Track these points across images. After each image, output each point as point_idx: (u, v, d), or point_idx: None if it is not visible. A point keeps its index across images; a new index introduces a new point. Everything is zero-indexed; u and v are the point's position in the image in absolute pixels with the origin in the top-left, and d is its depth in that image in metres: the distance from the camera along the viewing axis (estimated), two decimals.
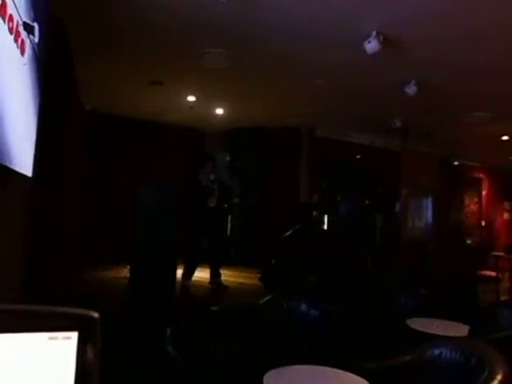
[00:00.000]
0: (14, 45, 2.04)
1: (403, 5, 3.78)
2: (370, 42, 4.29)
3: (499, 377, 1.82)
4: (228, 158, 9.39)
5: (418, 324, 3.45)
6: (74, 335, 0.56)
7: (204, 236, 6.52)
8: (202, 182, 6.42)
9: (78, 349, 0.56)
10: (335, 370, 2.35)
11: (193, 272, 6.29)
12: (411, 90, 5.54)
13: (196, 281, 6.39)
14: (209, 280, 6.50)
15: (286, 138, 8.81)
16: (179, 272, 6.02)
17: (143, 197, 5.44)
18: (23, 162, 2.43)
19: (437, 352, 2.30)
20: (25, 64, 2.29)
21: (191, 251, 6.33)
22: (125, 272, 6.04)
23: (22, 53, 2.18)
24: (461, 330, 3.33)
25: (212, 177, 6.44)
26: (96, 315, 0.56)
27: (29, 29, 2.27)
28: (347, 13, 3.99)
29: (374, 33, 4.24)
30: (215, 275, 6.45)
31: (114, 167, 8.35)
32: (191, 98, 7.03)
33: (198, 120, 8.47)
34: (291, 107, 7.41)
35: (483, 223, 12.04)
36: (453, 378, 2.17)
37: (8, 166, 2.07)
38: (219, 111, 7.86)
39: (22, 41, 2.15)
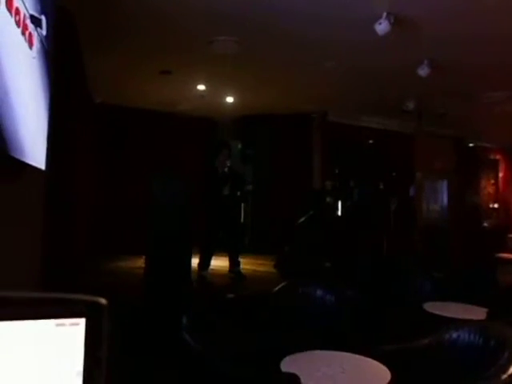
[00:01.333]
0: (22, 38, 2.03)
1: None
2: (380, 23, 4.22)
3: None
4: (240, 146, 9.36)
5: (435, 308, 3.42)
6: (82, 321, 0.56)
7: (219, 225, 6.51)
8: (218, 169, 6.41)
9: (85, 335, 0.55)
10: (352, 354, 2.35)
11: (208, 262, 6.28)
12: (424, 71, 5.43)
13: (212, 269, 6.41)
14: (227, 268, 6.49)
15: (297, 124, 8.74)
16: (195, 261, 6.05)
17: (157, 187, 5.45)
18: (36, 155, 2.45)
19: (455, 335, 2.28)
20: (34, 57, 2.29)
21: (206, 241, 6.34)
22: (140, 262, 6.09)
23: (31, 46, 2.18)
24: (479, 313, 3.29)
25: (228, 164, 6.42)
26: (104, 301, 0.56)
27: (36, 22, 2.26)
28: None
29: (385, 14, 4.16)
30: (235, 264, 6.44)
31: (128, 158, 8.38)
32: (201, 87, 7.00)
33: (209, 109, 8.44)
34: (302, 92, 7.33)
35: (500, 205, 11.83)
36: (472, 361, 2.15)
37: (21, 159, 2.09)
38: (230, 99, 7.81)
39: (30, 34, 2.14)
